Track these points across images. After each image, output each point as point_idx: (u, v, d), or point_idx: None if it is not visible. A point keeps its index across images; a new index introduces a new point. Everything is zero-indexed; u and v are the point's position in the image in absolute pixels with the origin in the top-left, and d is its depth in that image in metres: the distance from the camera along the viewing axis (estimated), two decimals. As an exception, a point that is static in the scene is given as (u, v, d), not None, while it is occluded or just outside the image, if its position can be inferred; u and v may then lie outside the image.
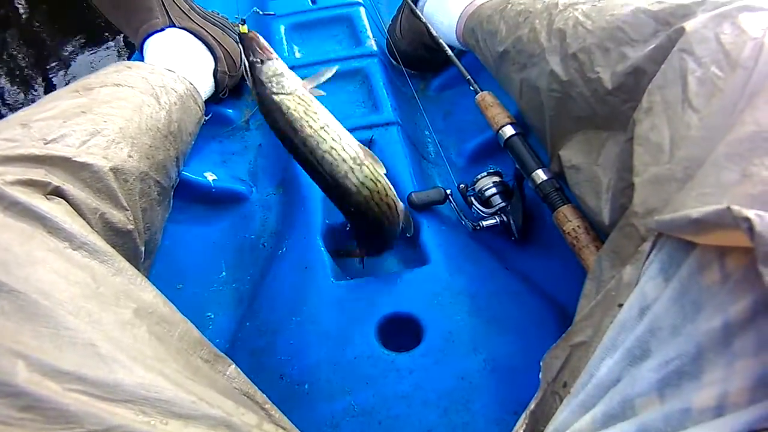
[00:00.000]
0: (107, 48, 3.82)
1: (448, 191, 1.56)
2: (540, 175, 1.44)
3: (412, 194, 1.56)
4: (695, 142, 0.91)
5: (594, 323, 0.91)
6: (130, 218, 1.17)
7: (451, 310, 1.35)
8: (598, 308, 0.92)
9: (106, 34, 4.01)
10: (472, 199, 1.55)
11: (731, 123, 0.85)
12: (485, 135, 1.77)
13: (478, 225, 1.51)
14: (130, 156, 1.23)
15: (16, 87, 3.69)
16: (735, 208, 0.67)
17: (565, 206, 1.37)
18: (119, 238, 1.11)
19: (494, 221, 1.51)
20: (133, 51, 2.11)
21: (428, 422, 1.22)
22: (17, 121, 1.14)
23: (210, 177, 1.72)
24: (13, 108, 3.43)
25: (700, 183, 0.84)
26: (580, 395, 0.84)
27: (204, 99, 1.82)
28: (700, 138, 0.90)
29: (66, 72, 3.70)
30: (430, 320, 1.33)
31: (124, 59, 3.59)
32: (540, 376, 0.98)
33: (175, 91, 1.59)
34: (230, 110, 2.03)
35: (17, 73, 3.87)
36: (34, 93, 3.59)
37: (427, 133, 1.89)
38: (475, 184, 1.57)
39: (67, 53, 3.88)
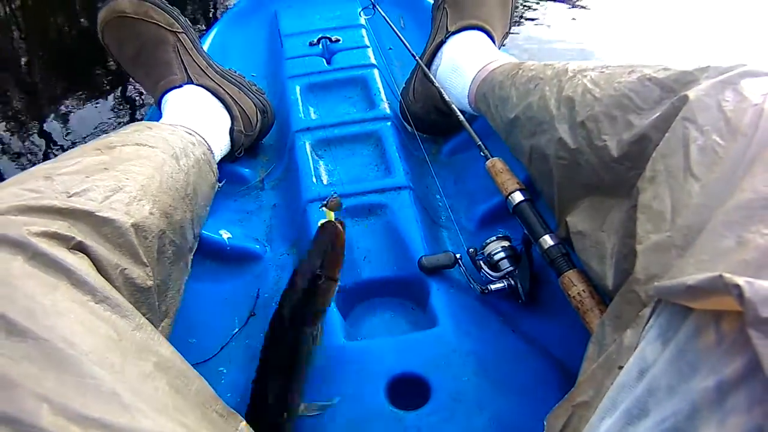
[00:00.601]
0: (106, 101, 3.83)
1: (458, 255, 1.58)
2: (547, 240, 1.46)
3: (423, 258, 1.58)
4: (695, 210, 0.92)
5: (595, 384, 0.93)
6: (150, 275, 1.18)
7: (458, 370, 1.36)
8: (599, 370, 0.94)
9: (106, 87, 4.02)
10: (481, 263, 1.57)
11: (731, 190, 0.87)
12: (494, 200, 1.79)
13: (487, 289, 1.53)
14: (151, 213, 1.25)
15: (10, 133, 3.71)
16: (726, 275, 0.69)
17: (571, 271, 1.39)
18: (140, 295, 1.13)
19: (502, 285, 1.53)
20: (134, 107, 2.13)
21: (437, 480, 1.22)
22: (41, 173, 1.16)
23: (225, 235, 1.74)
24: (8, 153, 3.44)
25: (698, 250, 0.86)
26: (581, 454, 0.85)
27: (220, 158, 1.85)
28: (700, 206, 0.92)
29: (64, 123, 3.71)
30: (438, 380, 1.35)
31: (122, 113, 3.62)
32: None
33: (194, 155, 1.61)
34: (246, 169, 2.06)
35: (13, 119, 3.89)
36: (31, 141, 3.60)
37: (438, 197, 1.91)
38: (484, 249, 1.59)
39: (65, 104, 3.90)
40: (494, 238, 1.59)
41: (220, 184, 1.84)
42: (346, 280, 1.59)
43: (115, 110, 3.72)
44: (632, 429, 0.81)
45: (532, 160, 1.52)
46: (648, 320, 0.88)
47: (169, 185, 1.38)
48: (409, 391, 1.35)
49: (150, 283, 1.18)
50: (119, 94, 3.91)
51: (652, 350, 0.84)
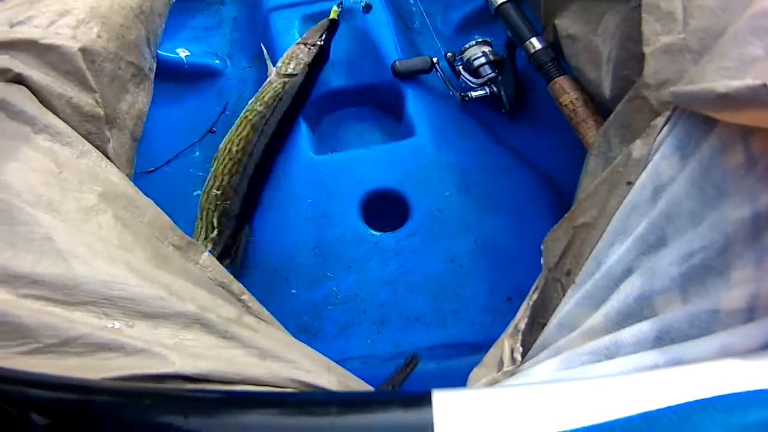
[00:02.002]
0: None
1: (435, 60, 1.50)
2: (534, 43, 1.37)
3: (396, 62, 1.50)
4: (711, 13, 0.85)
5: (599, 203, 0.86)
6: (99, 102, 1.11)
7: (439, 185, 1.30)
8: (603, 186, 0.86)
9: None
10: (460, 68, 1.49)
11: (752, -4, 0.80)
12: (473, 3, 1.70)
13: (467, 96, 1.44)
14: (99, 36, 1.17)
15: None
16: None
17: (562, 77, 1.30)
18: (90, 124, 1.06)
19: (483, 92, 1.45)
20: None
21: (415, 310, 1.18)
22: None
23: (183, 53, 1.68)
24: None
25: (720, 56, 0.78)
26: (587, 286, 0.78)
27: None
28: (716, 8, 0.85)
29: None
30: (417, 197, 1.29)
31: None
32: (541, 261, 0.92)
33: None
34: (203, -17, 1.96)
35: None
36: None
37: (411, 1, 1.83)
38: (463, 53, 1.50)
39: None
40: (474, 42, 1.50)
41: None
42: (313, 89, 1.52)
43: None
44: (649, 261, 0.73)
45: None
46: (661, 131, 0.81)
47: (121, 4, 1.30)
48: (385, 209, 1.29)
49: (99, 110, 1.10)
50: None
51: (669, 166, 0.77)
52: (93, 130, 1.06)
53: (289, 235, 1.28)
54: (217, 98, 1.65)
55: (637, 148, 0.82)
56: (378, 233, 1.25)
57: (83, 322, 0.71)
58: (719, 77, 0.73)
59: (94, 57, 1.12)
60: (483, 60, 1.47)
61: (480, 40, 1.50)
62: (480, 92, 1.45)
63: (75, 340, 0.69)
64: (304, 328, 1.15)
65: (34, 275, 0.72)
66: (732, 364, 0.59)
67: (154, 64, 1.38)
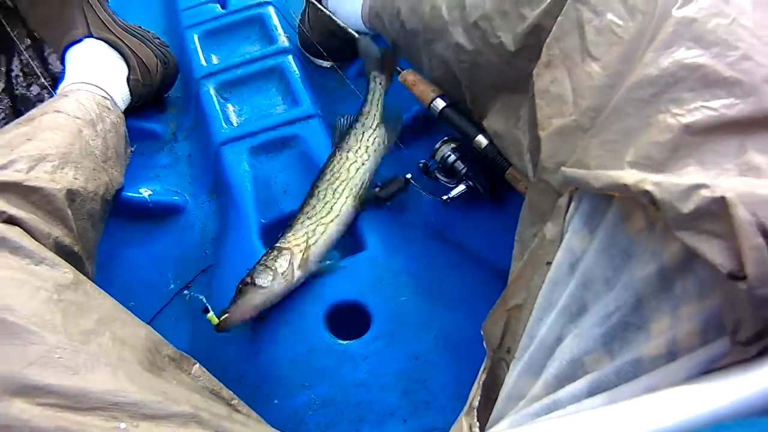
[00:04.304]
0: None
1: (408, 176, 1.56)
2: (481, 141, 1.45)
3: (377, 191, 1.55)
4: (600, 91, 0.90)
5: (526, 284, 0.91)
6: (77, 240, 1.20)
7: (394, 291, 1.36)
8: (527, 269, 0.92)
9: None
10: (436, 173, 1.55)
11: (633, 69, 0.85)
12: (409, 113, 1.77)
13: (449, 198, 1.49)
14: (75, 178, 1.27)
15: None
16: (631, 184, 0.70)
17: (512, 168, 1.38)
18: (69, 261, 1.11)
19: (462, 187, 1.50)
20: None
21: (390, 405, 1.23)
22: None
23: (145, 192, 1.73)
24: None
25: (603, 130, 0.84)
26: (525, 358, 0.84)
27: (123, 108, 1.83)
28: (604, 86, 0.90)
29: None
30: (376, 304, 1.34)
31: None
32: (484, 344, 0.99)
33: (109, 119, 1.63)
34: (157, 125, 2.03)
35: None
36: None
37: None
38: (434, 156, 1.56)
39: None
40: (440, 142, 1.56)
41: (132, 149, 1.83)
42: (268, 216, 1.59)
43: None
44: (574, 327, 0.80)
45: (433, 69, 1.50)
46: (567, 209, 0.87)
47: (88, 151, 1.40)
48: (349, 319, 1.35)
49: (77, 248, 1.20)
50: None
51: (580, 240, 0.83)
52: (74, 264, 1.10)
53: (265, 352, 1.33)
54: (182, 232, 1.71)
55: (549, 229, 0.89)
56: (345, 342, 1.30)
57: (94, 424, 0.78)
58: (602, 151, 0.81)
59: (74, 197, 1.22)
60: (454, 156, 1.52)
61: (445, 138, 1.55)
62: (460, 188, 1.49)
63: None
64: (290, 433, 1.20)
65: (48, 387, 0.79)
66: (659, 396, 0.65)
67: (111, 207, 1.48)
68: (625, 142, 0.79)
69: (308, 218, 1.47)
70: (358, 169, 1.56)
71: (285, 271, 1.37)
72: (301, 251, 1.40)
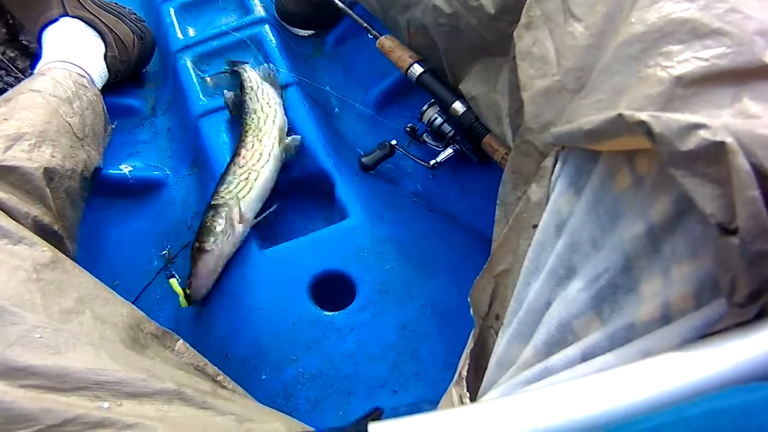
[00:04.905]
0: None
1: (393, 142, 1.55)
2: (458, 108, 1.43)
3: (362, 158, 1.55)
4: (584, 52, 0.89)
5: (512, 249, 0.90)
6: (56, 218, 1.19)
7: (379, 260, 1.35)
8: (512, 233, 0.90)
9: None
10: (425, 136, 1.54)
11: (619, 28, 0.83)
12: (387, 80, 1.77)
13: (436, 163, 1.48)
14: (53, 156, 1.26)
15: None
16: (626, 113, 0.66)
17: (489, 135, 1.36)
18: (49, 240, 1.09)
19: (450, 151, 1.49)
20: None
21: (379, 377, 1.21)
22: None
23: (126, 169, 1.73)
24: None
25: (593, 90, 0.82)
26: (513, 324, 0.82)
27: (101, 85, 1.81)
28: (588, 47, 0.88)
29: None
30: (361, 274, 1.33)
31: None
32: (471, 312, 0.97)
33: (86, 97, 1.61)
34: (136, 101, 2.01)
35: None
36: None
37: (328, 89, 1.88)
38: (422, 118, 1.54)
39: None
40: (426, 105, 1.54)
41: (112, 126, 1.81)
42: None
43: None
44: (562, 291, 0.78)
45: (411, 34, 1.49)
46: (552, 170, 0.86)
47: (66, 129, 1.39)
48: (334, 290, 1.33)
49: (57, 227, 1.19)
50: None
51: (565, 201, 0.81)
52: (54, 243, 1.09)
53: (250, 326, 1.31)
54: (164, 207, 1.70)
55: (534, 192, 0.87)
56: (330, 313, 1.29)
57: (78, 404, 0.77)
58: (594, 111, 0.78)
59: (52, 175, 1.21)
60: (441, 119, 1.50)
61: (431, 101, 1.53)
62: (447, 152, 1.48)
63: (73, 420, 0.75)
64: (279, 408, 1.14)
65: (31, 368, 0.78)
66: (654, 362, 0.63)
67: (91, 185, 1.46)
68: (616, 99, 0.77)
69: (240, 167, 1.49)
70: (273, 120, 1.59)
71: (224, 229, 1.39)
72: (236, 204, 1.42)
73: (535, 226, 0.85)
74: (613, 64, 0.80)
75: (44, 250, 1.00)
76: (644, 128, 0.63)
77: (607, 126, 0.70)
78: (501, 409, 0.62)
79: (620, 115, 0.67)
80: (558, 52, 0.93)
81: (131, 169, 1.73)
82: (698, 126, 0.60)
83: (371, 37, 1.70)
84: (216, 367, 1.08)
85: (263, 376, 1.26)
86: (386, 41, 1.63)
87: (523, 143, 0.96)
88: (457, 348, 1.11)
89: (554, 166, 0.85)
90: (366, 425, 0.62)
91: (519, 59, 0.99)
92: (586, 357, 0.73)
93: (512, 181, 0.99)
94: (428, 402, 1.18)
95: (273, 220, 1.53)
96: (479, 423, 0.61)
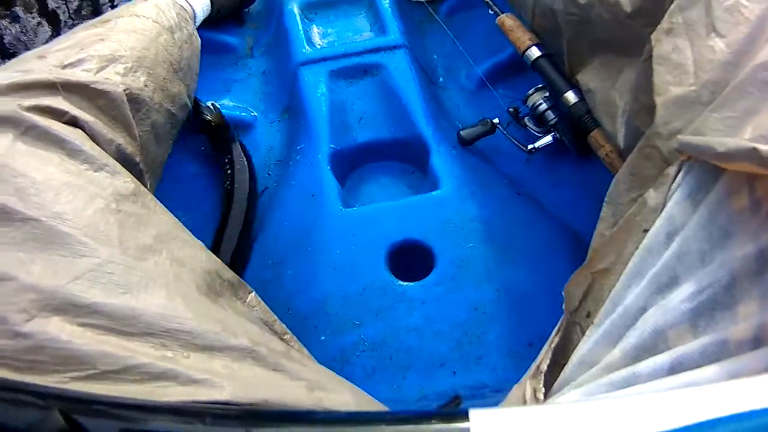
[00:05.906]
0: None
1: (496, 120, 1.53)
2: (570, 97, 1.42)
3: (461, 132, 1.53)
4: (722, 67, 0.88)
5: (616, 249, 0.88)
6: (138, 150, 1.15)
7: (462, 236, 1.32)
8: (620, 233, 0.89)
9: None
10: (526, 120, 1.52)
11: (757, 50, 0.83)
12: (496, 57, 1.74)
13: (534, 148, 1.47)
14: (146, 85, 1.22)
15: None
16: (762, 148, 0.65)
17: (597, 130, 1.34)
18: (129, 171, 1.07)
19: (549, 139, 1.47)
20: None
21: (440, 355, 1.20)
22: (33, 55, 1.13)
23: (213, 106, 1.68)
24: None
25: (723, 105, 0.81)
26: (605, 325, 0.81)
27: (201, 19, 1.80)
28: (727, 63, 0.88)
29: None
30: (442, 248, 1.31)
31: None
32: (563, 306, 0.95)
33: (187, 30, 1.57)
34: (234, 38, 2.00)
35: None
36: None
37: (435, 57, 1.87)
38: (526, 102, 1.53)
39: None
40: (533, 90, 1.52)
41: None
42: (341, 143, 1.55)
43: None
44: (661, 298, 0.77)
45: (535, 15, 1.47)
46: (674, 179, 0.84)
47: (164, 58, 1.35)
48: (411, 260, 1.31)
49: (139, 159, 1.15)
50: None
51: (681, 211, 0.80)
52: (135, 176, 1.07)
53: (318, 285, 1.29)
54: (249, 150, 1.66)
55: (652, 197, 0.85)
56: (404, 283, 1.27)
57: (141, 351, 0.74)
58: (722, 126, 0.78)
59: (139, 105, 1.17)
60: (545, 105, 1.49)
61: (539, 86, 1.51)
62: (546, 139, 1.47)
63: (133, 369, 0.72)
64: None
65: (94, 305, 0.75)
66: (741, 384, 0.61)
67: (183, 120, 1.43)
68: (745, 119, 0.76)
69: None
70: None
71: None
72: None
73: (646, 231, 0.83)
74: (747, 85, 0.79)
75: (126, 181, 0.97)
76: None
77: (740, 154, 0.69)
78: (615, 411, 0.61)
79: (755, 149, 0.66)
80: (696, 63, 0.92)
81: (219, 106, 1.69)
82: None
83: (491, 13, 1.68)
84: (284, 325, 1.06)
85: (322, 337, 1.24)
86: (507, 19, 1.61)
87: (647, 146, 0.95)
88: (525, 337, 1.10)
89: (676, 175, 0.84)
90: (467, 410, 0.60)
91: (656, 63, 0.98)
92: (674, 366, 0.71)
93: (628, 182, 0.98)
94: (487, 388, 1.16)
95: (362, 181, 1.51)
96: (592, 423, 0.60)
